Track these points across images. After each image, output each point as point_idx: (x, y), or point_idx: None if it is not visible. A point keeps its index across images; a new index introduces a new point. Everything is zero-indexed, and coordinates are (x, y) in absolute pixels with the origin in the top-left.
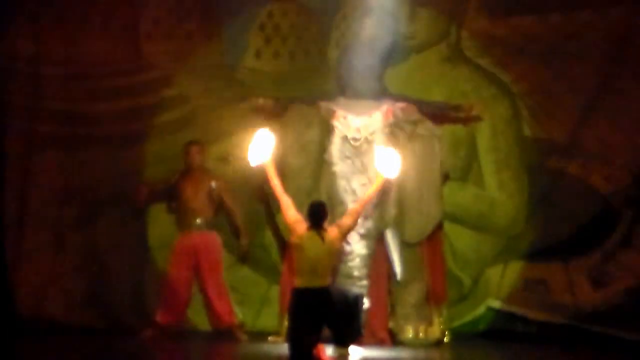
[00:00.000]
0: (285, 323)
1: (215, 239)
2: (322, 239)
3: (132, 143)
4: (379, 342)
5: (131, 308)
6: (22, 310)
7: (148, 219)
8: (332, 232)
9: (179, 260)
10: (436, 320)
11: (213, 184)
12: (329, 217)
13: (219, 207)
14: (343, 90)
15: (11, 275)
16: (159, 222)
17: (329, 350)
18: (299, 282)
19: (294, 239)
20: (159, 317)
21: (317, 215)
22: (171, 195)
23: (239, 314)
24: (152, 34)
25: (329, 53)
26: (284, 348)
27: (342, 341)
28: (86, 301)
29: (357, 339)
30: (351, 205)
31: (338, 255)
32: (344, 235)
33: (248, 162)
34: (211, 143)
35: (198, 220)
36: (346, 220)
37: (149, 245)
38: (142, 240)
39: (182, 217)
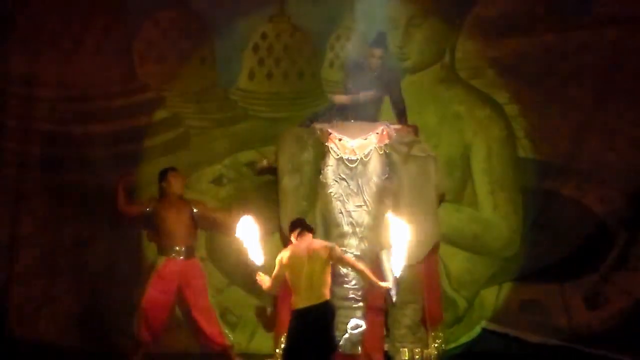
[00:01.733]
0: (281, 345)
1: (197, 265)
2: (307, 249)
3: (126, 165)
4: None
5: (124, 331)
6: (14, 333)
7: (143, 242)
8: (318, 242)
9: (159, 283)
10: (432, 342)
11: (194, 210)
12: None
13: (211, 226)
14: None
15: (3, 298)
16: (153, 245)
17: None
18: (299, 302)
19: (283, 262)
20: (142, 337)
21: (303, 223)
22: (148, 222)
23: (230, 336)
24: (146, 56)
25: (323, 74)
26: None
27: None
28: (79, 324)
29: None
30: (349, 228)
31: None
32: (330, 258)
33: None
34: (205, 165)
35: (180, 248)
36: (343, 256)
37: (144, 268)
38: (136, 262)
39: (164, 243)
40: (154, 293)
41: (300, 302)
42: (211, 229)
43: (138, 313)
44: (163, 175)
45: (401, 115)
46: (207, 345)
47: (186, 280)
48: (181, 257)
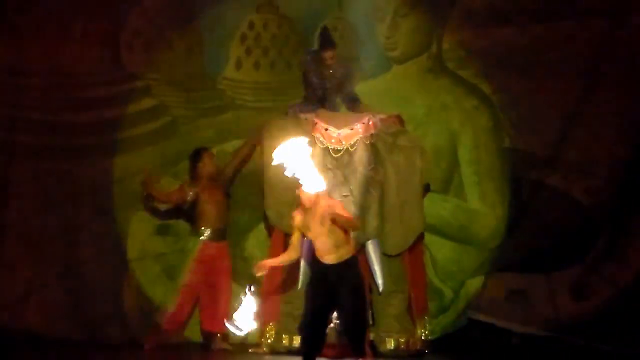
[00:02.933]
0: (267, 335)
1: (226, 247)
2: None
3: (112, 153)
4: None
5: (111, 320)
6: (0, 323)
7: (129, 231)
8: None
9: (200, 268)
10: (417, 332)
11: (224, 172)
12: None
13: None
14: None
15: None
16: (140, 233)
17: None
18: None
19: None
20: (166, 324)
21: None
22: (188, 211)
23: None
24: (133, 44)
25: None
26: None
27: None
28: (66, 313)
29: None
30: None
31: None
32: None
33: None
34: None
35: (214, 229)
36: None
37: (128, 257)
38: (123, 251)
39: (199, 226)
40: (196, 278)
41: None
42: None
43: (176, 300)
44: (198, 155)
45: (355, 105)
46: (217, 324)
47: (217, 263)
48: (214, 239)
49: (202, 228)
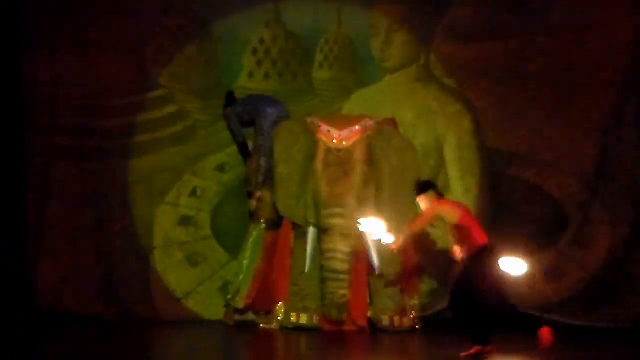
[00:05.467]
0: (277, 312)
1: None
2: None
3: (139, 154)
4: (359, 329)
5: (139, 301)
6: (41, 304)
7: (154, 222)
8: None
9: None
10: (409, 310)
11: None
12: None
13: None
14: None
15: (32, 271)
16: (164, 224)
17: None
18: (482, 239)
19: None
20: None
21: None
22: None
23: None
24: (157, 58)
25: (313, 74)
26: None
27: None
28: (99, 295)
29: None
30: (337, 209)
31: None
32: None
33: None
34: (209, 154)
35: (266, 221)
36: None
37: (154, 245)
38: (149, 240)
39: (257, 218)
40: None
41: (483, 240)
42: None
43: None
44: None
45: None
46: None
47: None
48: (270, 229)
49: (262, 219)
